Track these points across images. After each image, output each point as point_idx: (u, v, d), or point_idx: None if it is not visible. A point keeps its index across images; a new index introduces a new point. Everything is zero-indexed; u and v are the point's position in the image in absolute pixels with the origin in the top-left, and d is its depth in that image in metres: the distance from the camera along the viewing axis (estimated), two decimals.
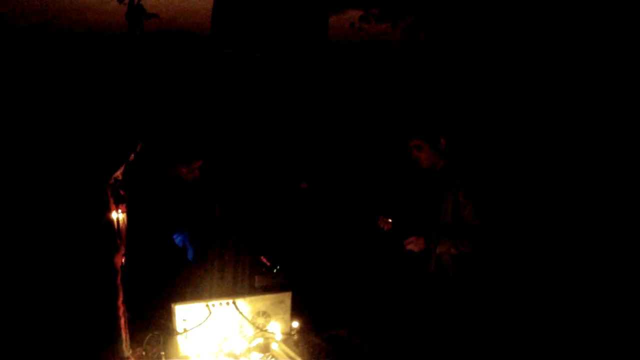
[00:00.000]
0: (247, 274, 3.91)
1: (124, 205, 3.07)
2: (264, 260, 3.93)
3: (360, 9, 3.24)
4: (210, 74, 4.31)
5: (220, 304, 3.13)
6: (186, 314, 3.01)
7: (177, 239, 4.02)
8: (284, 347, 3.14)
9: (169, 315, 3.02)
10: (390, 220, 3.93)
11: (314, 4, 2.99)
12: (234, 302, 3.16)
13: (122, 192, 3.02)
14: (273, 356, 3.09)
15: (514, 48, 4.11)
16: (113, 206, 2.91)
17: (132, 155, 2.90)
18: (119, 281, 2.53)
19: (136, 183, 3.34)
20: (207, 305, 3.08)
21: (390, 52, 4.21)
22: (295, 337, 3.25)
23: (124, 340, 2.61)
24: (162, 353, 2.86)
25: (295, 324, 3.33)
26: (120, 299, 2.66)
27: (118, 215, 2.99)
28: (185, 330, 2.97)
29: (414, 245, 3.74)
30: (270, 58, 3.12)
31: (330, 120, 5.08)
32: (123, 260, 2.95)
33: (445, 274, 3.72)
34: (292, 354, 3.04)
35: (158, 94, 4.05)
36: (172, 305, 2.98)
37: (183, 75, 4.16)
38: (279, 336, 3.21)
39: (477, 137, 4.47)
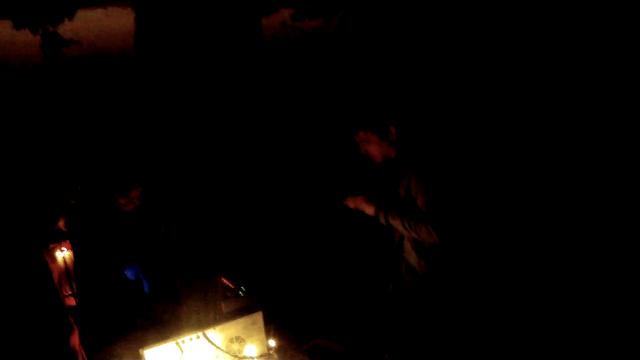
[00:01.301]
0: (212, 300, 3.74)
1: (67, 242, 2.89)
2: (227, 282, 3.77)
3: (292, 8, 3.13)
4: (139, 96, 4.12)
5: (191, 338, 2.96)
6: (157, 357, 2.83)
7: (129, 274, 3.83)
8: None
9: None
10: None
11: (245, 8, 2.86)
12: (204, 334, 3.00)
13: (62, 228, 2.84)
14: None
15: (452, 29, 4.10)
16: (56, 245, 2.74)
17: (73, 200, 2.70)
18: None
19: (77, 220, 3.16)
20: (176, 343, 2.90)
21: (329, 45, 4.12)
22: (275, 356, 3.11)
23: None
24: None
25: (272, 343, 3.19)
26: None
27: (63, 254, 2.81)
28: None
29: (351, 201, 3.58)
30: (205, 70, 2.97)
31: (278, 122, 4.95)
32: (74, 302, 2.77)
33: (412, 274, 3.60)
34: None
35: (85, 122, 3.85)
36: (141, 350, 2.80)
37: (111, 100, 3.97)
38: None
39: (427, 124, 4.40)
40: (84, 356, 2.49)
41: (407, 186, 3.45)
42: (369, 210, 3.56)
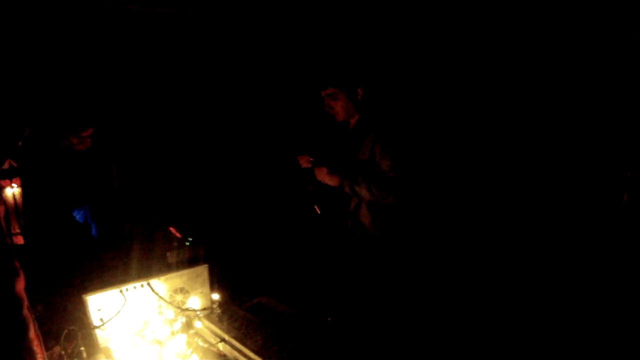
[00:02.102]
0: (159, 249, 3.72)
1: (18, 179, 2.81)
2: (175, 232, 3.75)
3: None
4: (99, 30, 3.95)
5: (135, 287, 2.95)
6: (100, 304, 2.81)
7: (78, 216, 3.76)
8: (207, 323, 3.03)
9: (82, 307, 2.81)
10: (311, 160, 3.80)
11: None
12: (148, 284, 2.99)
13: (14, 164, 2.76)
14: (198, 335, 2.97)
15: None
16: (6, 181, 2.65)
17: (20, 142, 2.60)
18: (25, 312, 2.23)
19: (27, 158, 3.06)
20: (120, 291, 2.89)
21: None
22: (218, 311, 3.13)
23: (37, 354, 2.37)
24: (82, 348, 2.67)
25: (216, 296, 3.21)
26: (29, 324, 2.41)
27: (13, 190, 2.74)
28: (102, 321, 2.79)
29: (317, 173, 3.67)
30: (179, 13, 2.87)
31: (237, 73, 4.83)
32: (22, 240, 2.71)
33: (366, 236, 3.67)
34: (218, 331, 2.93)
35: (39, 56, 3.69)
36: (84, 296, 2.77)
37: (67, 33, 3.80)
38: (200, 313, 3.09)
39: (392, 88, 4.39)
40: (29, 305, 2.44)
41: (370, 150, 3.52)
42: (333, 181, 3.62)
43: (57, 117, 3.59)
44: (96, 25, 3.87)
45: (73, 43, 3.95)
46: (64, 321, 2.86)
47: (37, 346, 2.12)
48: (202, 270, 3.19)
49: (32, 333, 2.15)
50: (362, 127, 3.63)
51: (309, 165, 3.80)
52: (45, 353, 2.15)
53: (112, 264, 3.60)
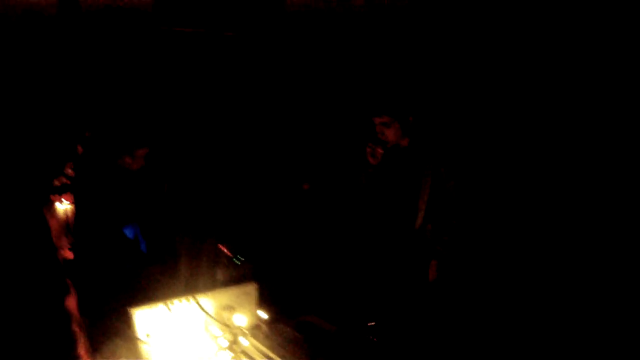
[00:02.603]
0: (208, 266, 3.74)
1: (69, 195, 2.86)
2: (225, 250, 3.76)
3: None
4: (154, 54, 4.06)
5: (181, 302, 2.95)
6: (146, 318, 2.83)
7: (128, 232, 3.82)
8: (254, 341, 2.99)
9: (127, 320, 2.82)
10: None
11: None
12: (195, 299, 2.99)
13: (66, 181, 2.81)
14: (244, 352, 2.93)
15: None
16: (57, 197, 2.70)
17: (80, 147, 2.64)
18: (74, 327, 2.23)
19: (81, 174, 3.13)
20: (167, 306, 2.89)
21: (355, 20, 4.10)
22: (265, 329, 3.10)
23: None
24: None
25: (263, 315, 3.17)
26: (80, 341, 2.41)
27: (64, 206, 2.78)
28: (147, 336, 2.79)
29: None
30: (220, 34, 2.90)
31: (291, 97, 4.88)
32: (72, 256, 2.74)
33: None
34: (264, 349, 2.89)
35: (99, 77, 3.80)
36: (130, 310, 2.79)
37: (125, 56, 3.91)
38: (247, 330, 3.06)
39: (441, 115, 4.45)
40: (80, 320, 2.45)
41: (438, 182, 3.70)
42: None
43: (113, 136, 3.68)
44: (153, 46, 3.97)
45: (132, 64, 4.06)
46: (111, 335, 2.86)
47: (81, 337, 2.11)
48: (251, 288, 3.17)
49: (82, 348, 2.14)
50: (413, 148, 3.83)
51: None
52: (85, 335, 2.14)
53: (160, 279, 3.63)
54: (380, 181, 3.95)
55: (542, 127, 4.41)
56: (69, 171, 2.67)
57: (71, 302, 2.37)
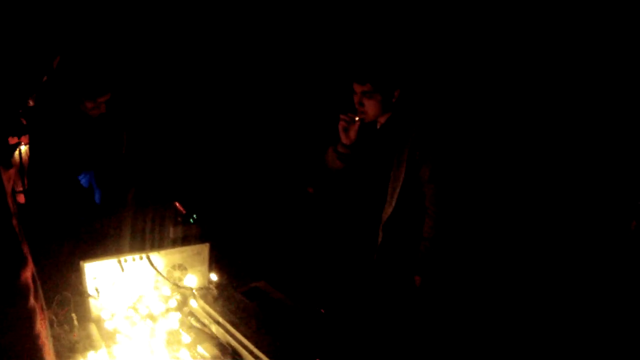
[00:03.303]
0: (161, 223, 3.68)
1: (26, 136, 2.75)
2: (180, 207, 3.70)
3: None
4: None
5: (133, 258, 2.90)
6: (96, 272, 2.78)
7: (83, 180, 3.72)
8: (202, 303, 2.99)
9: (77, 273, 2.77)
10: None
11: None
12: (147, 256, 2.95)
13: (24, 121, 2.69)
14: (192, 314, 2.93)
15: None
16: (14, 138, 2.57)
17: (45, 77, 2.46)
18: (31, 303, 2.09)
19: (39, 116, 3.00)
20: (118, 261, 2.85)
21: None
22: (215, 292, 3.10)
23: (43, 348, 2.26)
24: (73, 315, 2.63)
25: (214, 277, 3.17)
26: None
27: (20, 147, 2.68)
28: (96, 290, 2.75)
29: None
30: None
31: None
32: (23, 199, 2.65)
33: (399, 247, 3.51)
34: (213, 312, 2.89)
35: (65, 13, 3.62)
36: (81, 263, 2.74)
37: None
38: (196, 292, 3.05)
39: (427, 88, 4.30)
40: (38, 289, 2.34)
41: (408, 152, 3.38)
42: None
43: (74, 79, 3.54)
44: None
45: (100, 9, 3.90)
46: (59, 287, 2.81)
47: (42, 341, 1.98)
48: (203, 249, 3.14)
49: (38, 326, 1.99)
50: (392, 126, 3.49)
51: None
52: (52, 348, 2.03)
53: (112, 232, 3.57)
54: (349, 163, 3.62)
55: (540, 125, 4.35)
56: (30, 102, 2.49)
57: (26, 275, 2.22)
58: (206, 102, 4.54)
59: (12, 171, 2.30)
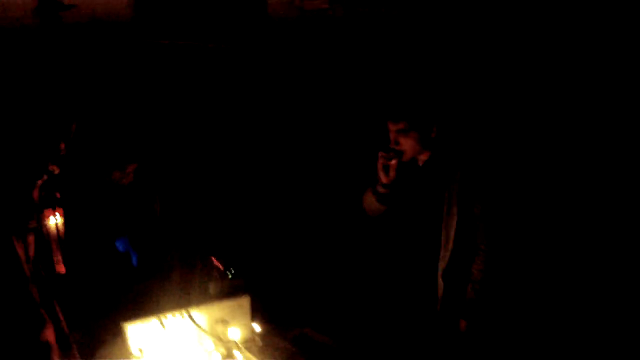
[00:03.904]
0: (200, 280, 3.69)
1: (61, 209, 2.80)
2: (217, 263, 3.70)
3: None
4: (140, 67, 4.01)
5: (174, 316, 2.90)
6: (139, 332, 2.77)
7: (119, 246, 3.77)
8: (248, 354, 2.94)
9: (120, 335, 2.76)
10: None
11: None
12: (188, 313, 2.93)
13: (57, 195, 2.76)
14: None
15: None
16: (50, 211, 2.63)
17: (63, 144, 2.50)
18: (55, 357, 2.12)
19: (70, 186, 3.07)
20: (160, 321, 2.84)
21: (337, 28, 3.97)
22: (259, 342, 3.05)
23: None
24: None
25: (258, 328, 3.12)
26: None
27: (56, 220, 2.73)
28: (140, 351, 2.73)
29: None
30: (203, 45, 2.89)
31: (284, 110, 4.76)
32: (63, 269, 2.68)
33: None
34: None
35: (84, 91, 3.75)
36: (123, 324, 2.73)
37: (110, 69, 3.86)
38: (241, 344, 3.00)
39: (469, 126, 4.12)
40: (71, 350, 2.35)
41: (457, 193, 3.11)
42: None
43: (102, 151, 3.65)
44: (138, 59, 3.94)
45: (118, 78, 4.03)
46: (103, 351, 2.80)
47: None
48: (244, 301, 3.12)
49: None
50: (435, 164, 3.23)
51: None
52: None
53: (152, 293, 3.57)
54: (393, 204, 3.33)
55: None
56: (55, 169, 2.51)
57: (48, 334, 2.25)
58: (233, 155, 4.59)
59: (30, 239, 2.35)
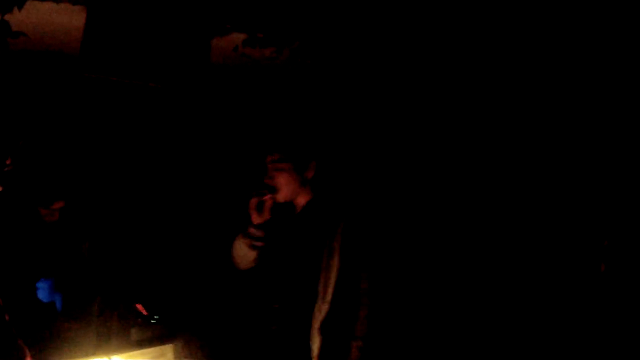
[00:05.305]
0: (122, 325, 3.56)
1: None
2: (141, 309, 3.59)
3: (245, 33, 3.06)
4: (81, 101, 3.94)
5: None
6: None
7: (42, 287, 3.60)
8: None
9: None
10: None
11: (196, 27, 2.80)
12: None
13: None
14: None
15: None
16: None
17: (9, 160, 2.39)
18: None
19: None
20: None
21: (278, 74, 3.99)
22: None
23: None
24: None
25: None
26: None
27: None
28: None
29: None
30: (145, 84, 2.88)
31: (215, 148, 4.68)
32: None
33: None
34: None
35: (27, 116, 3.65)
36: None
37: (48, 101, 3.78)
38: None
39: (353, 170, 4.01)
40: None
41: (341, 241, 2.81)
42: None
43: (27, 187, 3.51)
44: (78, 93, 3.89)
45: (55, 110, 3.96)
46: None
47: None
48: (167, 350, 3.02)
49: None
50: (315, 213, 2.91)
51: None
52: None
53: (73, 336, 3.42)
54: (265, 252, 2.99)
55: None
56: None
57: None
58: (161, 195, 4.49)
59: None
